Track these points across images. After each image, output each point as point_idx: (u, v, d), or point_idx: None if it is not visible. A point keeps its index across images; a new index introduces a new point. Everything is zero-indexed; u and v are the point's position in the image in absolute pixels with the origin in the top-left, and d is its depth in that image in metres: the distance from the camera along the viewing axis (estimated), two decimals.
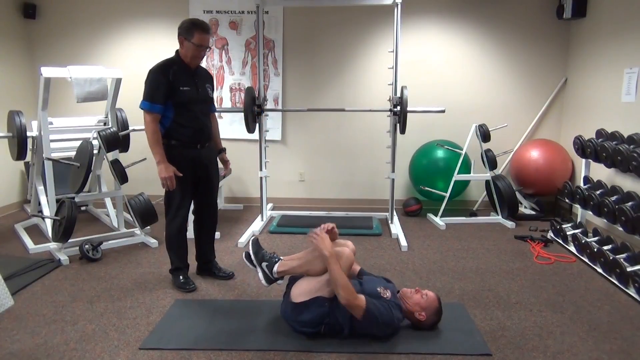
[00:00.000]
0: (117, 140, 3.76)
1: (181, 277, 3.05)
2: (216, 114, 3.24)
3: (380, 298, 2.36)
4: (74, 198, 3.65)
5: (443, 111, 4.30)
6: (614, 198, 3.41)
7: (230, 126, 5.21)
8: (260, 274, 2.49)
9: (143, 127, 2.87)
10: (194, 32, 2.79)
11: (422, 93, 4.95)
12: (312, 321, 2.34)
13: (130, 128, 4.20)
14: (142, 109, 2.81)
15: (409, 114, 4.01)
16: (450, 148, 4.68)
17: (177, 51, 2.91)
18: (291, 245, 3.89)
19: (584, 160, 4.00)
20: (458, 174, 4.53)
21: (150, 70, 2.84)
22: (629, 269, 2.95)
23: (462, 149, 4.60)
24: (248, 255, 2.55)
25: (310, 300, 2.33)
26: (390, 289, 2.47)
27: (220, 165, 3.25)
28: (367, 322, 2.27)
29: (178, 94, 2.82)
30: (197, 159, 2.97)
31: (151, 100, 2.79)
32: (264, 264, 2.48)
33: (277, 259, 2.50)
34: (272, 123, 5.19)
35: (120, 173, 3.88)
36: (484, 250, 3.80)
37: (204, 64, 5.14)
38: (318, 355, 2.25)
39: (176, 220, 3.00)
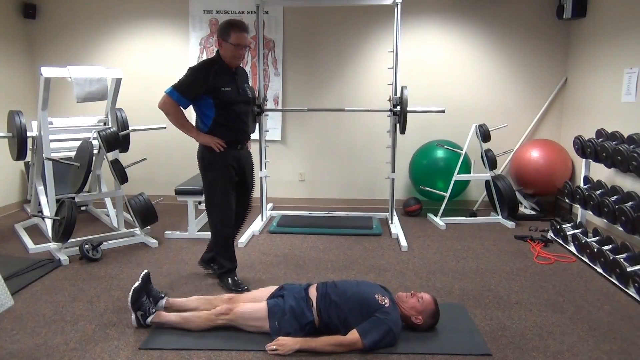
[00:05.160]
0: (117, 140, 3.76)
1: (230, 280, 3.02)
2: None
3: (379, 306, 2.32)
4: (74, 198, 3.65)
5: (443, 111, 4.29)
6: (614, 198, 3.41)
7: None
8: (133, 318, 2.48)
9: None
10: (231, 32, 2.76)
11: (422, 93, 4.95)
12: (296, 328, 2.34)
13: (130, 128, 4.20)
14: (168, 94, 2.76)
15: (409, 114, 4.01)
16: (450, 148, 4.68)
17: (217, 51, 2.88)
18: (291, 245, 3.89)
19: (584, 160, 3.99)
20: (458, 174, 4.53)
21: (191, 67, 2.83)
22: (629, 269, 2.95)
23: (462, 149, 4.60)
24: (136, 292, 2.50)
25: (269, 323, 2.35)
26: (388, 297, 2.42)
27: None
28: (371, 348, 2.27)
29: (220, 95, 2.80)
30: (237, 159, 2.97)
31: (183, 93, 2.76)
32: (139, 313, 2.47)
33: (153, 310, 2.48)
34: (272, 123, 5.19)
35: (120, 173, 3.88)
36: (484, 250, 3.80)
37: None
38: (318, 355, 2.24)
39: (227, 225, 2.98)
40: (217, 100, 2.81)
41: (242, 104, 2.95)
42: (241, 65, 3.02)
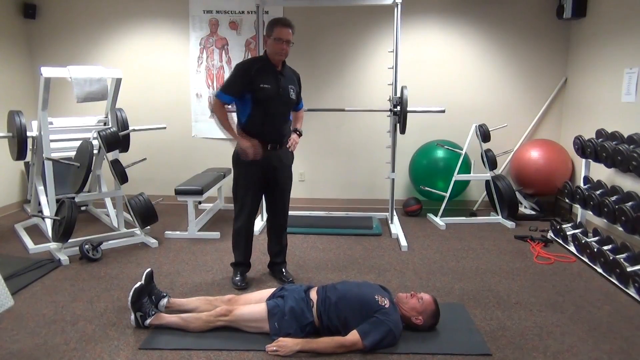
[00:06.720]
0: (117, 140, 3.76)
1: (238, 274, 3.08)
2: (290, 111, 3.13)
3: (379, 307, 2.32)
4: (74, 198, 3.65)
5: (443, 111, 4.30)
6: (614, 198, 3.41)
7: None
8: (132, 318, 2.49)
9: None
10: (274, 27, 2.81)
11: (422, 93, 4.94)
12: (296, 328, 2.35)
13: (130, 128, 4.20)
14: (215, 96, 2.89)
15: (409, 114, 4.01)
16: (450, 148, 4.68)
17: (265, 50, 2.93)
18: (291, 245, 3.87)
19: (584, 160, 3.99)
20: (458, 174, 4.53)
21: (236, 64, 2.94)
22: (629, 269, 2.95)
23: (462, 149, 4.60)
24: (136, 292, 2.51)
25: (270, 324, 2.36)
26: (387, 297, 2.42)
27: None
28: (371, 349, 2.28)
29: (257, 91, 2.81)
30: (265, 160, 2.92)
31: (224, 90, 2.85)
32: (138, 314, 2.47)
33: (153, 313, 2.48)
34: None
35: (120, 173, 3.88)
36: (484, 250, 3.80)
37: (203, 64, 5.17)
38: (319, 356, 2.24)
39: (239, 219, 3.02)
40: (254, 95, 2.82)
41: (280, 104, 2.91)
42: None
